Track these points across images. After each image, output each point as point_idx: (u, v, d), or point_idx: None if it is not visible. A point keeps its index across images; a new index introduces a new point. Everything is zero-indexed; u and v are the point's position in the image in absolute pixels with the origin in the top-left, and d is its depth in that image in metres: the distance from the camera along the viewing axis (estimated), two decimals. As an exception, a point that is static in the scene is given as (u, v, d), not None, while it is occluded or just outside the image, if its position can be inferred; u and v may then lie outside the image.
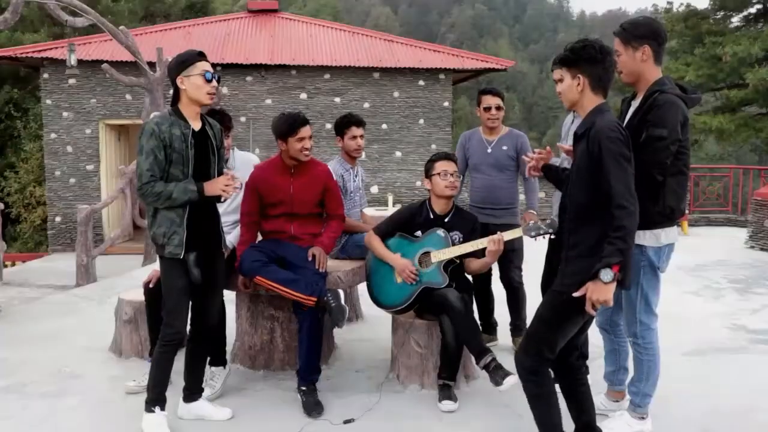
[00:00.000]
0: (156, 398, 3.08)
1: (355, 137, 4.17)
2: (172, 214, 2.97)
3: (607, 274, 2.38)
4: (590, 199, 2.51)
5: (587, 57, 2.53)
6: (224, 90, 12.40)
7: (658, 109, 2.74)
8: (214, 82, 2.99)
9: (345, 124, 4.18)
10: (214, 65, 3.06)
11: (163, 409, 3.09)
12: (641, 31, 2.85)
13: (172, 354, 3.09)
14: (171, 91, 3.13)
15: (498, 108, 4.23)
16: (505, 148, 4.26)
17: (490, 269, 4.10)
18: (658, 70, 2.87)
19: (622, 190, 2.40)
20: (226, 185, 3.00)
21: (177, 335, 3.05)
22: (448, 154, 3.76)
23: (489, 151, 4.28)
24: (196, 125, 3.04)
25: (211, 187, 3.00)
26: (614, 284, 2.40)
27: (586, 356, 3.71)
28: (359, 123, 4.20)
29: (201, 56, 2.99)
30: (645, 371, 2.99)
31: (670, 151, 2.75)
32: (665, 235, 2.90)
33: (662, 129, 2.73)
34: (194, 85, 2.96)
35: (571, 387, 2.79)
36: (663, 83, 2.82)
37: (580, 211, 2.55)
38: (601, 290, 2.40)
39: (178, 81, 2.97)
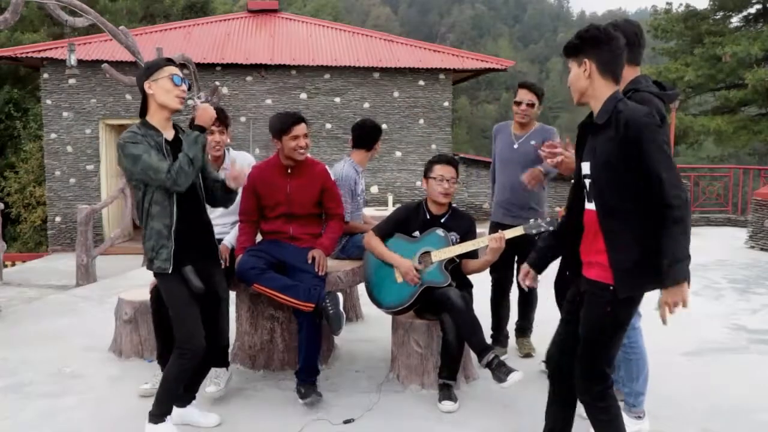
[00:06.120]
0: (167, 410, 2.97)
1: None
2: (159, 225, 2.85)
3: (682, 272, 2.19)
4: (624, 193, 2.31)
5: (590, 39, 2.36)
6: (224, 90, 12.39)
7: None
8: (184, 86, 2.90)
9: (377, 138, 4.22)
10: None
11: (170, 414, 3.01)
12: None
13: (192, 367, 2.93)
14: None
15: (530, 105, 4.01)
16: (533, 142, 4.01)
17: (510, 278, 4.10)
18: (635, 70, 2.86)
19: (674, 180, 2.23)
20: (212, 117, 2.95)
21: (200, 348, 2.89)
22: (449, 159, 3.71)
23: (516, 146, 4.08)
24: (169, 134, 2.94)
25: (201, 116, 2.92)
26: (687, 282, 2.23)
27: None
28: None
29: (169, 62, 2.94)
30: (634, 370, 3.02)
31: None
32: None
33: None
34: (162, 88, 2.86)
35: None
36: (638, 81, 2.83)
37: (617, 208, 2.32)
38: (678, 292, 2.21)
39: (146, 86, 2.88)
